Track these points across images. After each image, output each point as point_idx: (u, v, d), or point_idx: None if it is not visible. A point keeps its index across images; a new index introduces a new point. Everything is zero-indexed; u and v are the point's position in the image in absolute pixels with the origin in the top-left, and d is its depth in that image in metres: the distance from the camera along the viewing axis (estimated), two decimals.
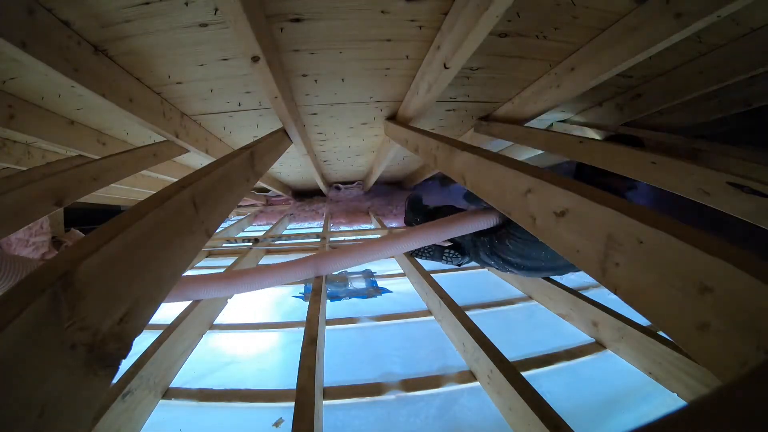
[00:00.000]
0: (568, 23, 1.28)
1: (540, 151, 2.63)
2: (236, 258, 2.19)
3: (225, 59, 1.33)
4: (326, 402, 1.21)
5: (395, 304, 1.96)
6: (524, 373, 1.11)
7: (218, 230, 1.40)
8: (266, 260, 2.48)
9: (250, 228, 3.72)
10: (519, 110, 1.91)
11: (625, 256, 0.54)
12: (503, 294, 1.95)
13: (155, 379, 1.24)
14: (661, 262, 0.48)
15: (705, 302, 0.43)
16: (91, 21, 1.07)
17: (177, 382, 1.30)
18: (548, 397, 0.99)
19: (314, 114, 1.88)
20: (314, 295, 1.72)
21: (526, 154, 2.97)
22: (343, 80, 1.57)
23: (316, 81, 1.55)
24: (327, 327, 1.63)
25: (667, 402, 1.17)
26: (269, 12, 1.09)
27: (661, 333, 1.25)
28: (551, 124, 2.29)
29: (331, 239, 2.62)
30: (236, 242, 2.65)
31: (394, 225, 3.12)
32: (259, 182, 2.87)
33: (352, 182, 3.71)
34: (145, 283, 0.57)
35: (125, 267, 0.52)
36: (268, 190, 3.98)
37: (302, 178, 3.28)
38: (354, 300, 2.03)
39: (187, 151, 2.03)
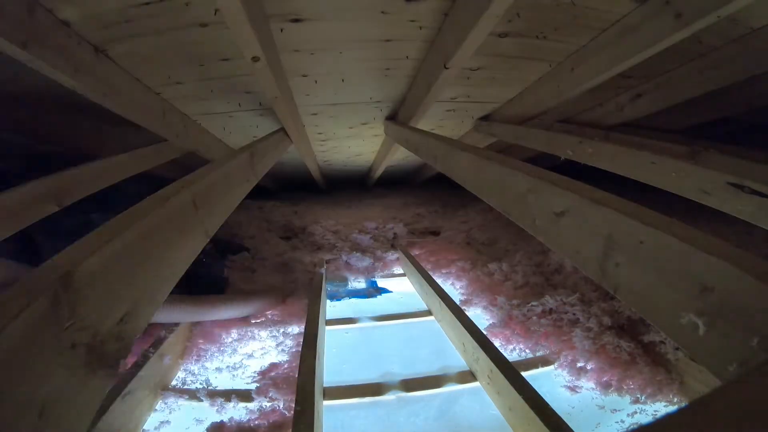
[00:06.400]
0: (568, 23, 1.28)
1: None
2: None
3: (225, 59, 1.33)
4: (326, 402, 1.21)
5: (395, 304, 1.96)
6: (524, 373, 1.11)
7: None
8: None
9: None
10: (519, 110, 1.91)
11: (625, 257, 0.54)
12: None
13: (155, 379, 1.24)
14: (662, 262, 0.48)
15: (705, 302, 0.43)
16: (91, 21, 1.07)
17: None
18: (548, 397, 0.99)
19: (314, 114, 1.88)
20: (314, 295, 1.73)
21: None
22: (343, 80, 1.57)
23: (316, 81, 1.55)
24: (327, 327, 1.63)
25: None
26: (269, 12, 1.09)
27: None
28: (551, 124, 2.29)
29: None
30: None
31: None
32: None
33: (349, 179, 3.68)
34: (145, 284, 0.57)
35: (125, 267, 0.52)
36: None
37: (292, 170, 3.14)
38: (354, 300, 2.03)
39: (188, 151, 2.03)
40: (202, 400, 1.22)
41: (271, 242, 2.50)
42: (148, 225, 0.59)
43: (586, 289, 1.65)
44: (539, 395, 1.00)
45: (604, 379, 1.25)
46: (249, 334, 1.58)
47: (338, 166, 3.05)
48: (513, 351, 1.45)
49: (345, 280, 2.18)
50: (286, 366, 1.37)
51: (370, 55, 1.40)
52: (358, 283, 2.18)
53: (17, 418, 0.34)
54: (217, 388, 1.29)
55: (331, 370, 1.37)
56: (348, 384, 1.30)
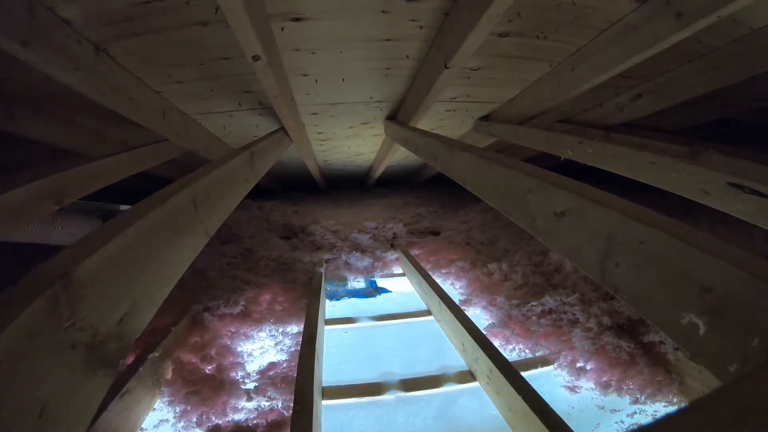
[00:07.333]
0: (569, 23, 1.28)
1: None
2: None
3: (225, 58, 1.33)
4: (325, 402, 1.21)
5: (395, 303, 1.96)
6: (524, 373, 1.11)
7: None
8: None
9: None
10: (519, 110, 1.91)
11: (626, 257, 0.54)
12: None
13: (154, 377, 1.24)
14: (662, 262, 0.48)
15: (705, 302, 0.43)
16: (91, 20, 1.07)
17: None
18: (548, 397, 0.99)
19: (314, 114, 1.88)
20: (313, 295, 1.73)
21: None
22: (343, 80, 1.57)
23: (316, 81, 1.54)
24: (326, 327, 1.63)
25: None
26: (270, 11, 1.09)
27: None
28: (551, 125, 2.29)
29: None
30: None
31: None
32: None
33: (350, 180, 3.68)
34: (144, 284, 0.57)
35: (125, 267, 0.52)
36: None
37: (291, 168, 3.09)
38: (353, 299, 2.03)
39: (188, 150, 2.03)
40: None
41: (271, 242, 2.50)
42: (148, 225, 0.59)
43: (585, 289, 1.65)
44: (539, 395, 1.00)
45: (604, 379, 1.25)
46: (248, 333, 1.58)
47: (338, 165, 3.05)
48: (512, 351, 1.45)
49: (344, 280, 2.18)
50: (284, 365, 1.37)
51: (370, 55, 1.40)
52: (358, 283, 2.19)
53: (17, 418, 0.34)
54: None
55: (330, 369, 1.37)
56: (347, 384, 1.30)
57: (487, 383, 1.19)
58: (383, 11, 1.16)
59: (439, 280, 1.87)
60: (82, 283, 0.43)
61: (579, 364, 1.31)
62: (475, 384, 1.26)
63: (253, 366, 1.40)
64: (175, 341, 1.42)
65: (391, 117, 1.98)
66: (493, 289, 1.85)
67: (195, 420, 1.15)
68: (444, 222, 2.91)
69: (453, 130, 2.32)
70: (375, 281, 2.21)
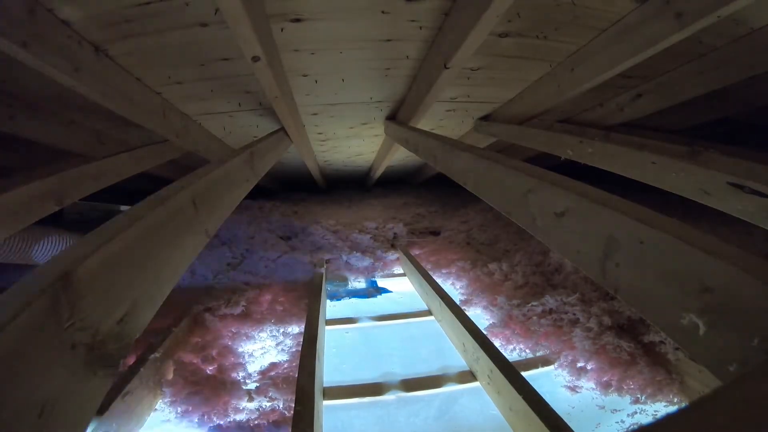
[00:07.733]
0: (569, 23, 1.28)
1: None
2: None
3: (225, 59, 1.33)
4: (326, 402, 1.21)
5: (395, 304, 1.96)
6: (524, 373, 1.11)
7: None
8: None
9: None
10: (519, 110, 1.91)
11: (626, 257, 0.54)
12: None
13: (155, 378, 1.24)
14: (662, 262, 0.48)
15: (705, 302, 0.43)
16: (91, 21, 1.07)
17: None
18: (548, 397, 0.99)
19: (314, 114, 1.88)
20: (314, 295, 1.73)
21: None
22: (343, 80, 1.57)
23: (316, 81, 1.55)
24: (327, 327, 1.63)
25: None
26: (270, 12, 1.09)
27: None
28: (551, 124, 2.29)
29: None
30: None
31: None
32: None
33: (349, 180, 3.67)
34: (144, 284, 0.57)
35: (125, 267, 0.52)
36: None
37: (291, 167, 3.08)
38: (354, 300, 2.03)
39: (188, 151, 2.03)
40: None
41: (271, 242, 2.50)
42: (148, 225, 0.59)
43: (586, 289, 1.65)
44: (539, 395, 1.00)
45: (605, 379, 1.25)
46: (249, 333, 1.58)
47: (338, 166, 3.05)
48: (513, 351, 1.45)
49: (345, 280, 2.18)
50: (285, 365, 1.37)
51: (370, 55, 1.40)
52: (358, 283, 2.19)
53: (17, 418, 0.34)
54: None
55: (331, 369, 1.37)
56: (348, 384, 1.30)
57: (488, 383, 1.19)
58: (383, 12, 1.16)
59: (439, 280, 1.87)
60: (82, 283, 0.43)
61: (579, 364, 1.31)
62: (476, 384, 1.26)
63: (254, 366, 1.40)
64: (177, 342, 1.42)
65: (391, 117, 1.98)
66: (493, 289, 1.85)
67: (196, 420, 1.15)
68: (444, 222, 2.91)
69: (453, 130, 2.32)
70: (375, 281, 2.21)
